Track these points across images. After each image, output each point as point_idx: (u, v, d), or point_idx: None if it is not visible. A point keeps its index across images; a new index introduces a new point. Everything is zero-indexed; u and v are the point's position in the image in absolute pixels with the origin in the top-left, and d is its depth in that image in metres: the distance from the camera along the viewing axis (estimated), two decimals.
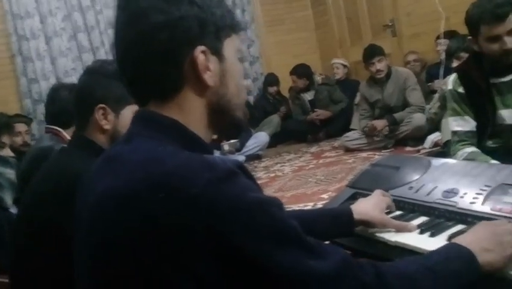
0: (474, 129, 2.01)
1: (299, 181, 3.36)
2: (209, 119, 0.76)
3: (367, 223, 1.09)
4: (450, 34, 3.72)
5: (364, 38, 5.33)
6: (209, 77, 0.73)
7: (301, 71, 5.10)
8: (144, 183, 0.62)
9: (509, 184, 1.07)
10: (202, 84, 0.73)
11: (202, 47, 0.71)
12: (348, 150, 4.10)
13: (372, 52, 3.88)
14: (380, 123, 3.85)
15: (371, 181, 1.38)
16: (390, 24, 4.96)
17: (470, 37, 1.99)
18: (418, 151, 3.50)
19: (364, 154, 3.87)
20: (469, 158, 1.95)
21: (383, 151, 3.82)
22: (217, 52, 0.74)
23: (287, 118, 5.32)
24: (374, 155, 3.77)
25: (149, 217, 0.61)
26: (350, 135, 4.15)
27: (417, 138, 3.67)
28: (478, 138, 2.02)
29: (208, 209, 0.60)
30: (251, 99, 5.82)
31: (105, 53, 5.06)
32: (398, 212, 1.20)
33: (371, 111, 4.05)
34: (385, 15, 5.07)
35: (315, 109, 5.01)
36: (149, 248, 0.61)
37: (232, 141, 4.43)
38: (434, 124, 3.35)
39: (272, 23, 6.02)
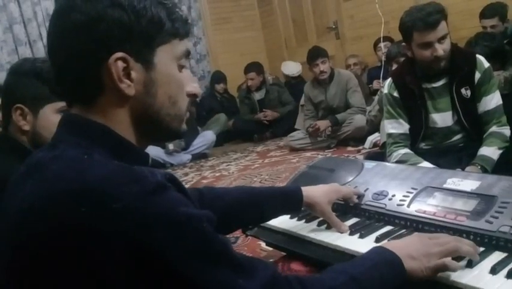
0: (408, 132, 2.11)
1: (244, 180, 3.37)
2: (136, 128, 0.72)
3: (312, 207, 1.15)
4: (389, 39, 3.88)
5: (309, 40, 5.44)
6: (127, 87, 0.68)
7: (258, 68, 5.11)
8: (65, 196, 0.59)
9: (433, 187, 1.13)
10: (120, 93, 0.68)
11: (119, 54, 0.67)
12: (293, 150, 4.16)
13: (316, 54, 3.96)
14: (323, 124, 3.94)
15: (308, 183, 1.40)
16: (334, 26, 5.09)
17: (404, 43, 2.08)
18: (359, 151, 3.62)
19: (308, 154, 3.95)
20: (403, 159, 2.04)
21: (326, 151, 3.92)
22: (144, 59, 0.69)
23: (234, 116, 5.32)
24: (318, 154, 3.85)
25: (70, 232, 0.58)
26: (295, 135, 4.22)
27: (357, 138, 3.80)
28: (412, 140, 2.12)
29: (134, 225, 0.58)
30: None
31: (44, 46, 4.83)
32: (334, 214, 1.23)
33: (315, 111, 4.14)
34: (329, 17, 5.20)
35: (264, 110, 5.03)
36: (68, 265, 0.58)
37: (177, 140, 4.37)
38: (374, 126, 3.47)
39: (219, 21, 6.00)
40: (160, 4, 0.71)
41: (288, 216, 1.25)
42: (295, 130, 4.40)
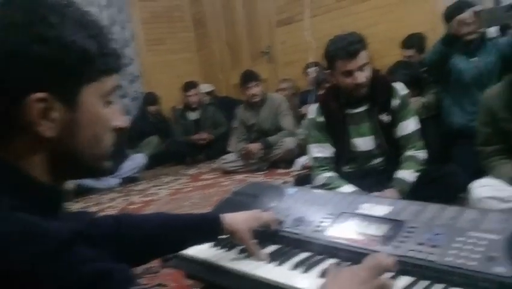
0: (333, 155, 2.17)
1: (174, 205, 3.29)
2: (54, 169, 0.66)
3: (232, 234, 1.13)
4: (318, 64, 4.02)
5: (243, 63, 5.51)
6: (46, 129, 0.62)
7: (197, 86, 5.08)
8: None
9: (348, 213, 1.16)
10: (38, 134, 0.62)
11: (39, 95, 0.60)
12: (225, 173, 4.15)
13: (248, 77, 4.02)
14: (255, 146, 3.97)
15: (233, 209, 1.39)
16: (267, 51, 5.21)
17: (328, 71, 2.16)
18: (289, 173, 3.68)
19: (240, 176, 3.95)
20: (328, 182, 2.09)
21: (258, 173, 3.94)
22: (68, 99, 0.64)
23: (168, 139, 5.22)
24: (250, 177, 3.86)
25: None
26: (227, 157, 4.21)
27: (288, 160, 3.86)
28: (336, 163, 2.18)
29: None
30: (129, 118, 5.63)
31: None
32: (253, 241, 1.22)
33: (247, 134, 4.17)
34: (263, 42, 5.31)
35: (200, 132, 4.96)
36: None
37: None
38: (303, 149, 3.55)
39: (153, 42, 5.93)
40: (92, 37, 0.65)
41: (209, 244, 1.22)
42: (228, 152, 4.40)
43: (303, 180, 2.64)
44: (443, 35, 2.42)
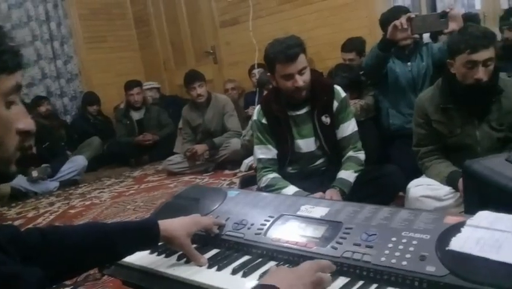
0: (276, 157, 2.19)
1: (117, 208, 3.19)
2: None
3: (170, 241, 1.10)
4: (263, 65, 4.05)
5: (188, 63, 5.45)
6: None
7: (141, 85, 4.93)
8: None
9: (288, 215, 1.17)
10: None
11: None
12: (171, 174, 4.08)
13: (193, 77, 3.97)
14: (201, 148, 3.93)
15: (173, 214, 1.36)
16: (211, 51, 5.18)
17: (269, 73, 2.17)
18: (235, 174, 3.68)
19: (186, 178, 3.90)
20: (272, 183, 2.11)
21: (204, 175, 3.91)
22: None
23: (110, 139, 5.04)
24: (196, 178, 3.82)
25: None
26: (173, 158, 4.15)
27: (234, 162, 3.86)
28: (279, 164, 2.20)
29: None
30: (69, 118, 5.41)
31: None
32: (193, 246, 1.20)
33: (193, 135, 4.12)
34: (207, 42, 5.28)
35: (145, 133, 4.82)
36: None
37: (43, 165, 4.00)
38: (249, 150, 3.56)
39: (93, 40, 5.72)
40: None
41: (147, 251, 1.19)
42: (174, 154, 4.33)
43: (249, 181, 2.65)
44: (379, 40, 2.51)
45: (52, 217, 3.19)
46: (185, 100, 4.67)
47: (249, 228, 1.17)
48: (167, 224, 1.11)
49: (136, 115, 4.93)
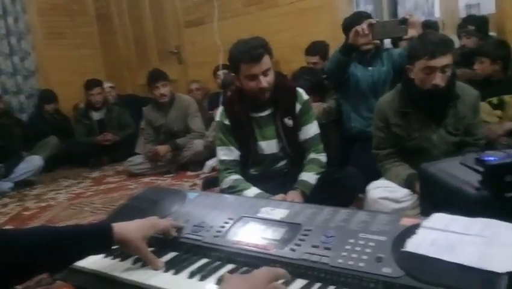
0: (239, 158, 2.17)
1: (74, 210, 3.09)
2: None
3: (125, 245, 1.07)
4: (228, 66, 4.02)
5: (151, 62, 5.36)
6: None
7: (102, 84, 4.79)
8: None
9: (248, 216, 1.16)
10: None
11: None
12: (132, 175, 3.99)
13: (156, 76, 3.90)
14: (163, 148, 3.87)
15: (130, 216, 1.32)
16: (176, 51, 5.11)
17: (233, 74, 2.16)
18: (198, 176, 3.64)
19: (147, 179, 3.83)
20: (233, 185, 2.09)
21: (166, 176, 3.85)
22: None
23: (68, 139, 4.87)
24: (157, 180, 3.76)
25: None
26: (134, 159, 4.06)
27: (197, 163, 3.82)
28: (242, 166, 2.18)
29: None
30: (25, 117, 5.20)
31: None
32: (150, 249, 1.17)
33: (155, 135, 4.05)
34: (171, 42, 5.21)
35: (105, 133, 4.69)
36: None
37: None
38: (212, 151, 3.53)
39: (52, 36, 5.52)
40: None
41: (101, 255, 1.15)
42: (135, 154, 4.23)
43: (212, 182, 2.62)
44: (341, 45, 2.54)
45: (4, 219, 3.05)
46: (145, 100, 4.59)
47: (208, 230, 1.14)
48: (122, 227, 1.07)
49: (96, 116, 4.80)
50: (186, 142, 3.89)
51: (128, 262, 1.12)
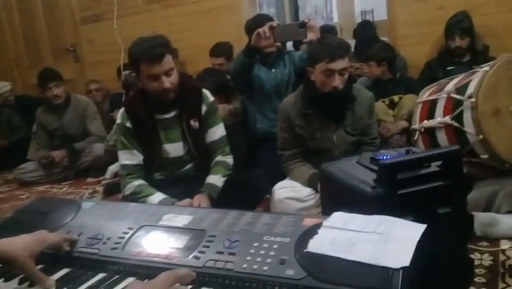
0: (142, 162, 2.08)
1: None
2: None
3: (9, 263, 0.95)
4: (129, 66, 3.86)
5: (44, 60, 4.98)
6: None
7: None
8: None
9: (149, 225, 1.10)
10: None
11: None
12: (23, 184, 3.66)
13: (47, 77, 3.62)
14: (58, 154, 3.61)
15: (16, 231, 1.18)
16: (72, 49, 4.80)
17: (134, 74, 2.06)
18: (99, 182, 3.44)
19: (41, 187, 3.54)
20: (137, 191, 2.00)
21: (63, 183, 3.60)
22: None
23: None
24: (53, 188, 3.49)
25: None
26: (26, 166, 3.73)
27: (98, 168, 3.60)
28: (146, 170, 2.09)
29: None
30: None
31: None
32: (40, 266, 1.06)
33: (49, 139, 3.75)
34: (67, 39, 4.89)
35: None
36: None
37: None
38: (113, 155, 3.35)
39: None
40: None
41: None
42: (27, 161, 3.89)
43: (114, 189, 2.50)
44: (244, 47, 2.55)
45: None
46: (38, 101, 4.23)
47: (104, 243, 1.06)
48: (5, 244, 0.95)
49: None
50: (85, 146, 3.66)
51: (14, 282, 1.00)
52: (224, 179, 2.09)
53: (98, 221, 1.15)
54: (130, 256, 1.01)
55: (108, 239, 1.07)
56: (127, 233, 1.08)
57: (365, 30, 4.22)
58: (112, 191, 2.95)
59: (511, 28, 3.22)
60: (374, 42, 3.49)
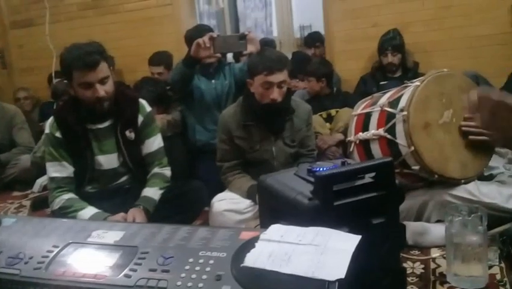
0: (73, 175, 1.97)
1: None
2: None
3: None
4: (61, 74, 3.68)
5: None
6: None
7: None
8: None
9: (77, 242, 1.03)
10: None
11: None
12: None
13: None
14: None
15: None
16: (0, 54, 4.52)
17: (66, 81, 1.96)
18: (27, 196, 3.23)
19: None
20: (66, 205, 1.90)
21: None
22: None
23: None
24: None
25: None
26: None
27: (25, 181, 3.38)
28: (77, 183, 1.99)
29: None
30: None
31: None
32: None
33: None
34: None
35: None
36: None
37: None
38: (41, 167, 3.16)
39: None
40: None
41: None
42: None
43: (42, 203, 2.35)
44: (184, 57, 2.52)
45: None
46: None
47: (26, 262, 0.98)
48: None
49: None
50: (11, 157, 3.42)
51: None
52: (161, 191, 2.03)
53: (20, 239, 1.06)
54: (54, 277, 0.94)
55: (30, 258, 0.99)
56: (52, 251, 1.00)
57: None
58: (40, 205, 2.78)
59: (439, 46, 3.43)
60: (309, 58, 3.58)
